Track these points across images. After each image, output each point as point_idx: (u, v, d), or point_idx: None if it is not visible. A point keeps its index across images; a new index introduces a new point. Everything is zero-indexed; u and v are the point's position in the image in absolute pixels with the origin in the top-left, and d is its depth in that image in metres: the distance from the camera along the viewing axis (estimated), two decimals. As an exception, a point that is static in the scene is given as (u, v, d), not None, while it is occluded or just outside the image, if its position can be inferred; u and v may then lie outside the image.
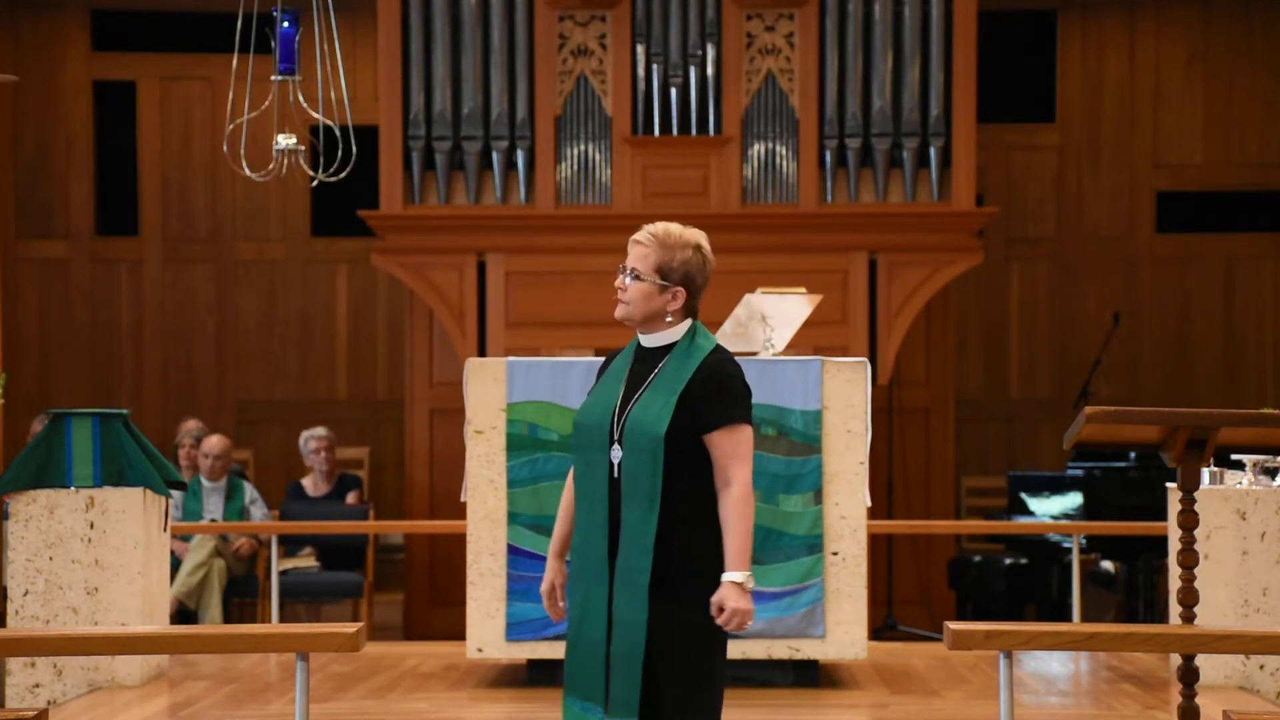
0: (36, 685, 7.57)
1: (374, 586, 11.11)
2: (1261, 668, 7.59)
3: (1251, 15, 13.42)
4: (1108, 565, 11.28)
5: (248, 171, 7.86)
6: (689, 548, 4.39)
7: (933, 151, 11.45)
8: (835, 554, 7.56)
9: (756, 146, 11.52)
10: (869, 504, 7.61)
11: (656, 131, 11.48)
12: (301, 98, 7.63)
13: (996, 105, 12.83)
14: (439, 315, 11.61)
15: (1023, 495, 11.26)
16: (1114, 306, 13.17)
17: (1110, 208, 13.56)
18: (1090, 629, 5.69)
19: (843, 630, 7.58)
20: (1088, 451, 10.94)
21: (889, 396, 11.66)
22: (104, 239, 13.67)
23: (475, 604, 7.61)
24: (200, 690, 7.76)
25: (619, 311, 4.55)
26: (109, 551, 7.56)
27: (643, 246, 4.52)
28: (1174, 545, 6.63)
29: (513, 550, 7.56)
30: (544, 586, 4.66)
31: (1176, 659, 6.80)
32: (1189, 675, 5.51)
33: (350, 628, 5.31)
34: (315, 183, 7.95)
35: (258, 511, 10.75)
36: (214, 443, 10.79)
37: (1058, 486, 11.05)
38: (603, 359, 4.74)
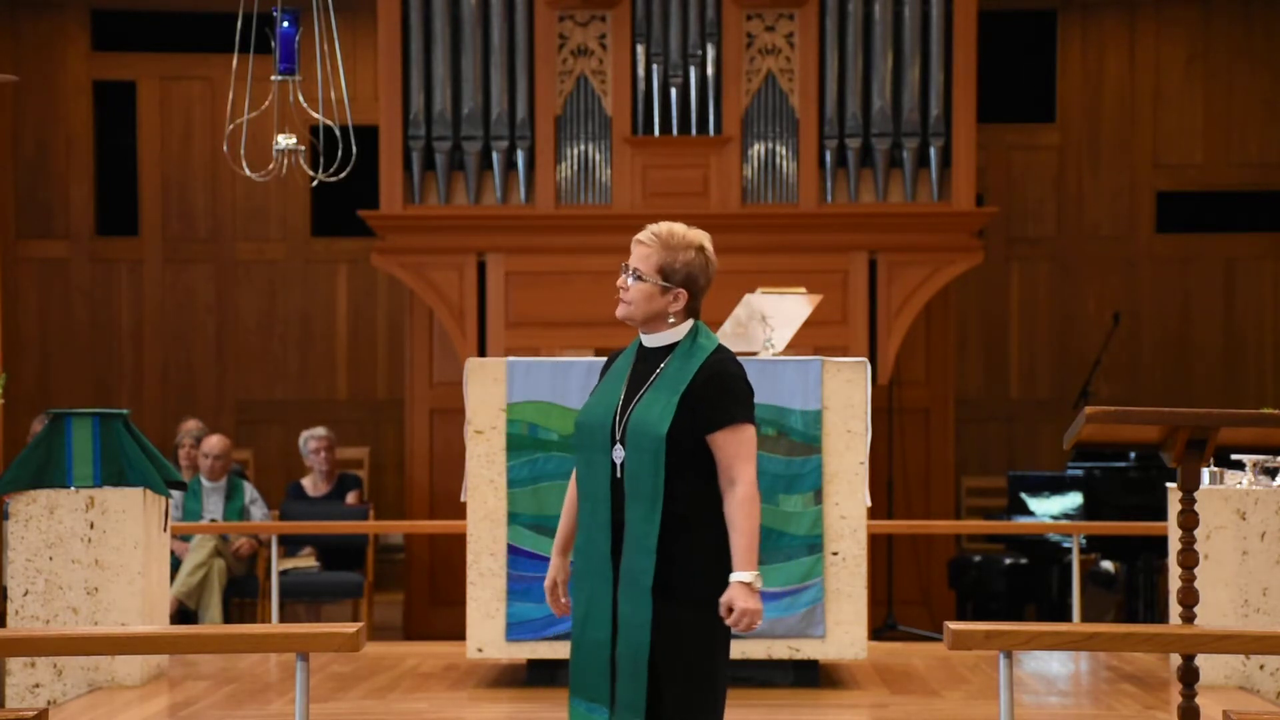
0: (36, 685, 7.57)
1: (374, 586, 11.11)
2: (1261, 668, 7.59)
3: (1251, 15, 13.42)
4: (1108, 565, 11.28)
5: (248, 171, 7.86)
6: (691, 548, 4.39)
7: (933, 151, 11.45)
8: (835, 554, 7.57)
9: (756, 146, 11.52)
10: (869, 504, 7.61)
11: (656, 131, 11.48)
12: (301, 98, 7.63)
13: (996, 105, 12.83)
14: (439, 315, 11.61)
15: (1023, 495, 11.26)
16: (1114, 306, 13.17)
17: (1110, 208, 13.56)
18: (1090, 629, 5.69)
19: (843, 630, 7.58)
20: (1088, 451, 10.94)
21: (889, 396, 11.66)
22: (104, 239, 13.67)
23: (475, 604, 7.61)
24: (200, 690, 7.76)
25: (620, 311, 4.54)
26: (109, 551, 7.56)
27: (645, 247, 4.51)
28: (1174, 545, 6.62)
29: (513, 550, 7.56)
30: (547, 583, 4.67)
31: (1176, 659, 6.79)
32: (1189, 675, 5.51)
33: (350, 628, 5.31)
34: (315, 183, 7.95)
35: (258, 511, 10.75)
36: (214, 443, 10.79)
37: (1058, 486, 11.05)
38: (603, 359, 4.74)
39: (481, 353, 11.38)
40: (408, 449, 11.95)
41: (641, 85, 11.48)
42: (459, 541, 8.85)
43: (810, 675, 7.72)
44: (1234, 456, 6.83)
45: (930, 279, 11.49)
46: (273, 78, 7.60)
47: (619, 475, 4.44)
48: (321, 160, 8.13)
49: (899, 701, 7.51)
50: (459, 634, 8.04)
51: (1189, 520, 5.55)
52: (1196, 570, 5.57)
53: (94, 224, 13.65)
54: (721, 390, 4.42)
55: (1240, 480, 7.58)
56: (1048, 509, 11.08)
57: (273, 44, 7.55)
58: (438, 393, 11.82)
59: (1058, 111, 13.58)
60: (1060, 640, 5.98)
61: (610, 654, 4.41)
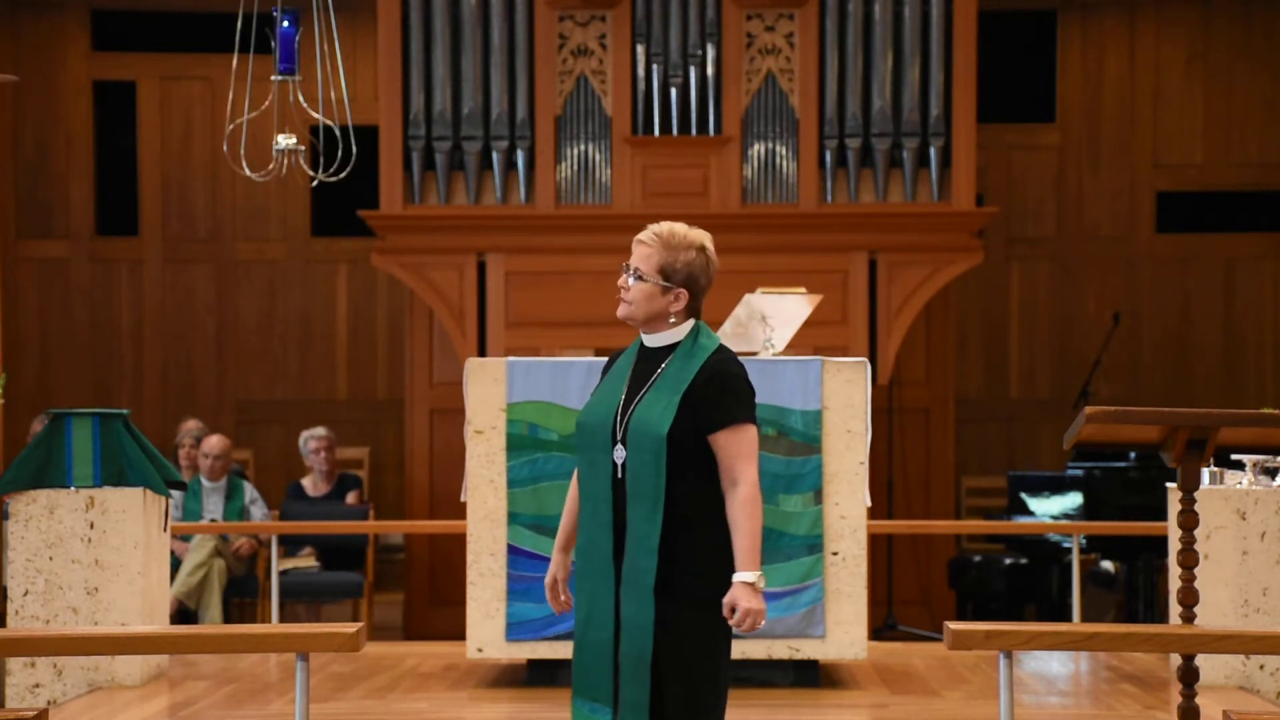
0: (36, 685, 7.57)
1: (374, 586, 11.11)
2: (1261, 668, 7.59)
3: (1251, 15, 13.42)
4: (1108, 565, 11.28)
5: (248, 171, 7.86)
6: (693, 548, 4.38)
7: (933, 151, 11.45)
8: (835, 554, 7.57)
9: (756, 146, 11.52)
10: (869, 504, 7.61)
11: (656, 131, 11.48)
12: (301, 98, 7.63)
13: (996, 105, 12.83)
14: (439, 315, 11.61)
15: (1023, 495, 11.26)
16: (1114, 306, 13.17)
17: (1110, 208, 13.56)
18: (1090, 629, 5.69)
19: (843, 630, 7.58)
20: (1088, 451, 10.94)
21: (889, 396, 11.66)
22: (104, 239, 13.67)
23: (475, 604, 7.61)
24: (200, 690, 7.76)
25: (621, 311, 4.54)
26: (109, 551, 7.56)
27: (646, 246, 4.51)
28: (1174, 545, 6.63)
29: (513, 550, 7.56)
30: (547, 579, 4.66)
31: (1176, 659, 6.80)
32: (1189, 675, 5.51)
33: (350, 628, 5.31)
34: (315, 183, 7.94)
35: (258, 511, 10.75)
36: (214, 443, 10.79)
37: (1058, 486, 11.05)
38: (603, 359, 4.74)
39: (481, 353, 11.38)
40: (408, 449, 11.95)
41: (641, 85, 11.48)
42: (459, 541, 8.85)
43: (810, 675, 7.72)
44: (1234, 456, 6.83)
45: (930, 279, 11.49)
46: (273, 78, 7.60)
47: (620, 475, 4.44)
48: (321, 160, 8.13)
49: (899, 701, 7.51)
50: (459, 634, 8.04)
51: (1189, 520, 5.55)
52: (1196, 570, 5.57)
53: (94, 224, 13.65)
54: (723, 390, 4.42)
55: (1240, 480, 7.58)
56: (1048, 509, 11.08)
57: (273, 44, 7.55)
58: (438, 393, 11.82)
59: (1058, 111, 13.58)
60: (1060, 640, 5.98)
61: (613, 654, 4.41)
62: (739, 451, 4.40)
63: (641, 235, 4.54)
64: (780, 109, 11.51)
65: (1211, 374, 13.46)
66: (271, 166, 7.75)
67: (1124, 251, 13.53)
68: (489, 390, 7.58)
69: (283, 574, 10.39)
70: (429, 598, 11.70)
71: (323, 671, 8.17)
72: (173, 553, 9.77)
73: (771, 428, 7.43)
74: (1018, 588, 11.15)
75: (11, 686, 7.57)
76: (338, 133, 7.71)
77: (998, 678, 5.30)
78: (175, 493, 9.04)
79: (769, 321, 8.15)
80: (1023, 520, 11.09)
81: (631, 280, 4.51)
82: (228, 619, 10.41)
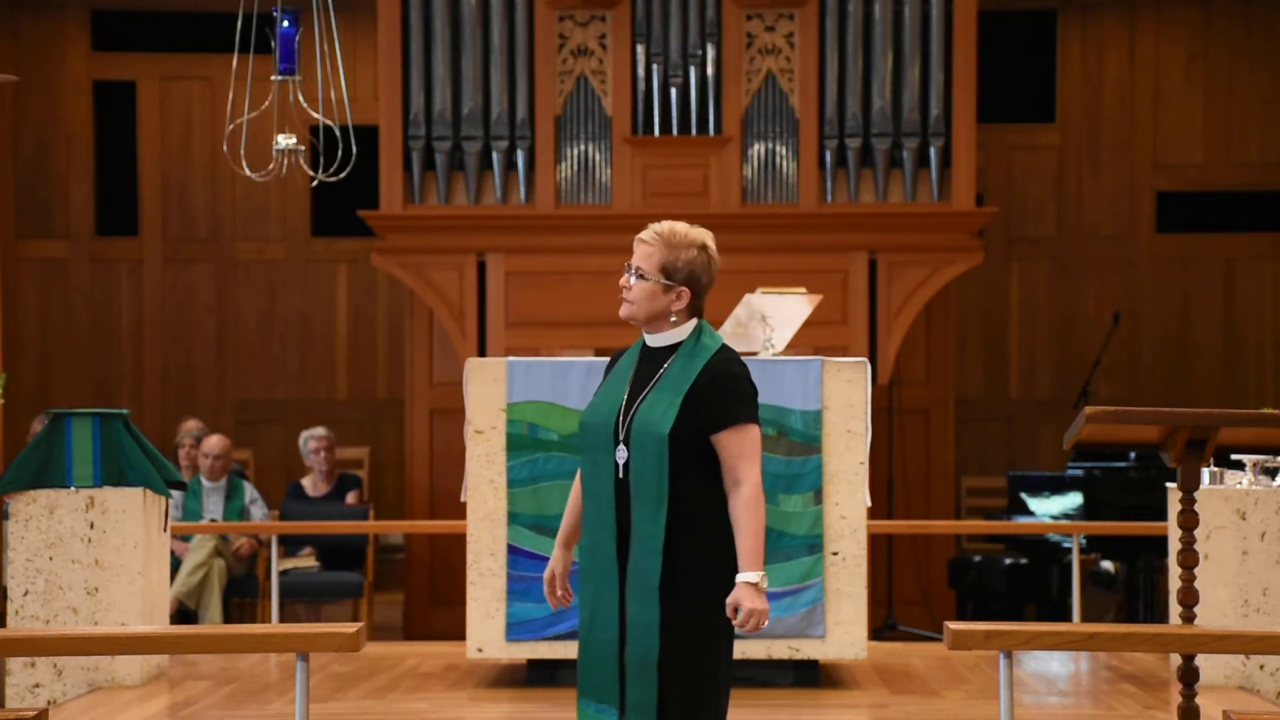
0: (36, 685, 7.57)
1: (374, 586, 11.11)
2: (1261, 668, 7.59)
3: (1251, 15, 13.42)
4: (1108, 565, 11.28)
5: (248, 171, 7.86)
6: (695, 549, 4.38)
7: (933, 151, 11.45)
8: (835, 554, 7.57)
9: (756, 146, 11.52)
10: (869, 504, 7.61)
11: (656, 131, 11.48)
12: (301, 98, 7.63)
13: (996, 105, 12.83)
14: (439, 315, 11.61)
15: (1023, 495, 11.26)
16: (1114, 306, 13.17)
17: (1110, 208, 13.56)
18: (1090, 629, 5.69)
19: (843, 630, 7.58)
20: (1088, 451, 10.94)
21: (889, 396, 11.66)
22: (104, 239, 13.67)
23: (475, 604, 7.61)
24: (200, 690, 7.76)
25: (623, 310, 4.54)
26: (109, 551, 7.56)
27: (648, 245, 4.51)
28: (1174, 545, 6.62)
29: (513, 550, 7.56)
30: (546, 574, 4.65)
31: (1176, 659, 6.79)
32: (1189, 675, 5.51)
33: (350, 628, 5.31)
34: (315, 183, 7.94)
35: (258, 511, 10.75)
36: (214, 443, 10.79)
37: (1058, 486, 11.05)
38: (603, 359, 4.73)
39: (481, 353, 11.38)
40: (408, 449, 11.95)
41: (641, 85, 11.48)
42: (459, 541, 8.85)
43: (810, 675, 7.72)
44: (1234, 456, 6.83)
45: (930, 279, 11.49)
46: (273, 78, 7.60)
47: (622, 475, 4.43)
48: (321, 160, 8.13)
49: (899, 701, 7.51)
50: (459, 634, 8.04)
51: (1189, 520, 5.55)
52: (1196, 570, 5.57)
53: (94, 224, 13.65)
54: (725, 390, 4.42)
55: (1240, 480, 7.58)
56: (1048, 509, 11.08)
57: (273, 44, 7.55)
58: (438, 393, 11.82)
59: (1058, 111, 13.58)
60: (1060, 640, 5.98)
61: (618, 654, 4.41)
62: (741, 452, 4.39)
63: (643, 234, 4.53)
64: (780, 109, 11.51)
65: (1211, 374, 13.46)
66: (271, 166, 7.75)
67: (1124, 251, 13.53)
68: (489, 390, 7.58)
69: (283, 574, 10.39)
70: (429, 598, 11.70)
71: (323, 671, 8.17)
72: (173, 553, 9.77)
73: (771, 428, 7.43)
74: (1018, 588, 11.15)
75: (11, 686, 7.57)
76: (338, 133, 7.71)
77: (998, 678, 5.30)
78: (175, 493, 9.04)
79: (769, 321, 8.15)
80: (1023, 520, 11.09)
81: (633, 279, 4.50)
82: (228, 619, 10.41)
